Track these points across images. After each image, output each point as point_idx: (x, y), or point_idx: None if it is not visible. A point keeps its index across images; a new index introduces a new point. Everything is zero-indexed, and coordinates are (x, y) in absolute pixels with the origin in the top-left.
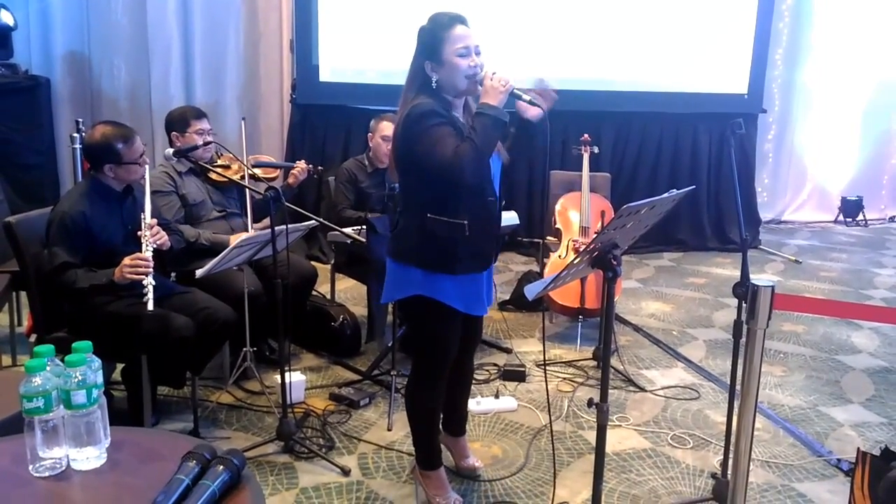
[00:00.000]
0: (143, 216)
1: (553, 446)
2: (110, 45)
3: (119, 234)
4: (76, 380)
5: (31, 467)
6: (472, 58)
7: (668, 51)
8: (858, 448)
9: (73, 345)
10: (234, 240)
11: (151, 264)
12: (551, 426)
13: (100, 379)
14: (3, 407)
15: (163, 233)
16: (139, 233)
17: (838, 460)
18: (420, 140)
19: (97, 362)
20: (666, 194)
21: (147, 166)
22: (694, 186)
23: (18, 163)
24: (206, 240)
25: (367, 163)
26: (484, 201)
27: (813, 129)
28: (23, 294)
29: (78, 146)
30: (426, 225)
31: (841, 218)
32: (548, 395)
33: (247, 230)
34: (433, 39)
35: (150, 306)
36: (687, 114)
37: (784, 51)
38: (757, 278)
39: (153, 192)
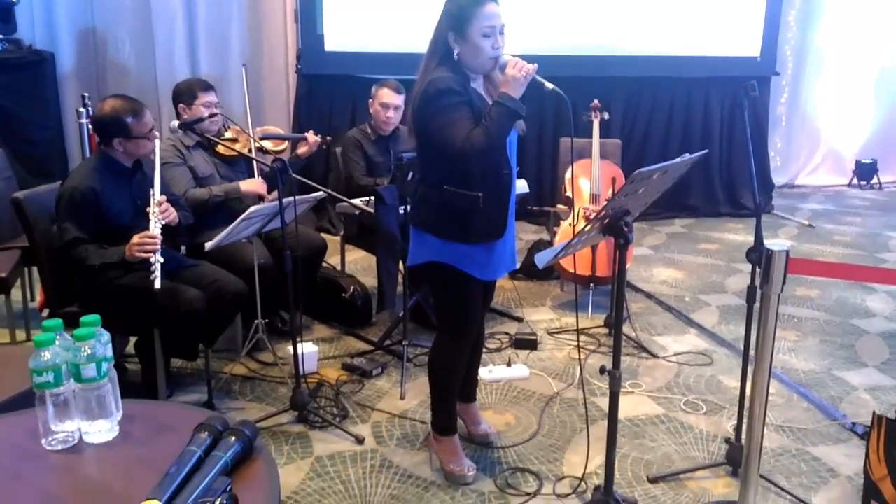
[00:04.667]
0: (152, 192)
1: (586, 410)
2: (114, 18)
3: (129, 209)
4: (86, 353)
5: (43, 441)
6: (496, 39)
7: (679, 14)
8: (874, 411)
9: (82, 319)
10: (244, 185)
11: (159, 242)
12: (584, 390)
13: (109, 352)
14: (18, 381)
15: (172, 209)
16: (148, 209)
17: (853, 424)
18: (434, 118)
19: (106, 336)
20: (678, 159)
21: (157, 141)
22: (707, 151)
23: (25, 138)
24: (217, 193)
25: (370, 131)
26: (499, 174)
27: (826, 91)
28: (34, 269)
29: (84, 121)
30: (442, 195)
31: (855, 181)
32: (580, 361)
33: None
34: (461, 13)
35: (158, 284)
36: (698, 78)
37: (797, 12)
38: (770, 243)
39: (163, 165)
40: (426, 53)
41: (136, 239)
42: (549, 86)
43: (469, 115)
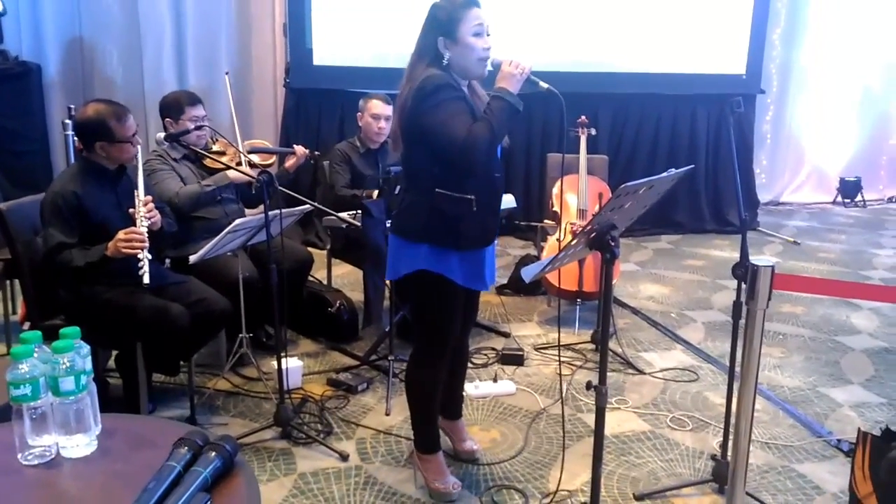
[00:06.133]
0: (136, 193)
1: (563, 427)
2: (102, 30)
3: (114, 214)
4: (64, 366)
5: (19, 455)
6: (484, 38)
7: (665, 31)
8: (859, 428)
9: (61, 331)
10: (231, 173)
11: (146, 238)
12: (563, 406)
13: (88, 365)
14: None
15: (157, 212)
16: (130, 210)
17: (838, 441)
18: (433, 113)
19: (85, 348)
20: (665, 174)
21: (139, 147)
22: (693, 166)
23: (10, 150)
24: (207, 184)
25: (359, 144)
26: (491, 177)
27: (811, 109)
28: (17, 282)
29: (70, 133)
30: (434, 200)
31: (839, 199)
32: (560, 380)
33: (242, 216)
34: (449, 18)
35: (147, 279)
36: (685, 95)
37: (782, 31)
38: (756, 259)
39: (151, 174)
40: (410, 62)
41: (122, 234)
42: (544, 85)
43: (467, 109)
